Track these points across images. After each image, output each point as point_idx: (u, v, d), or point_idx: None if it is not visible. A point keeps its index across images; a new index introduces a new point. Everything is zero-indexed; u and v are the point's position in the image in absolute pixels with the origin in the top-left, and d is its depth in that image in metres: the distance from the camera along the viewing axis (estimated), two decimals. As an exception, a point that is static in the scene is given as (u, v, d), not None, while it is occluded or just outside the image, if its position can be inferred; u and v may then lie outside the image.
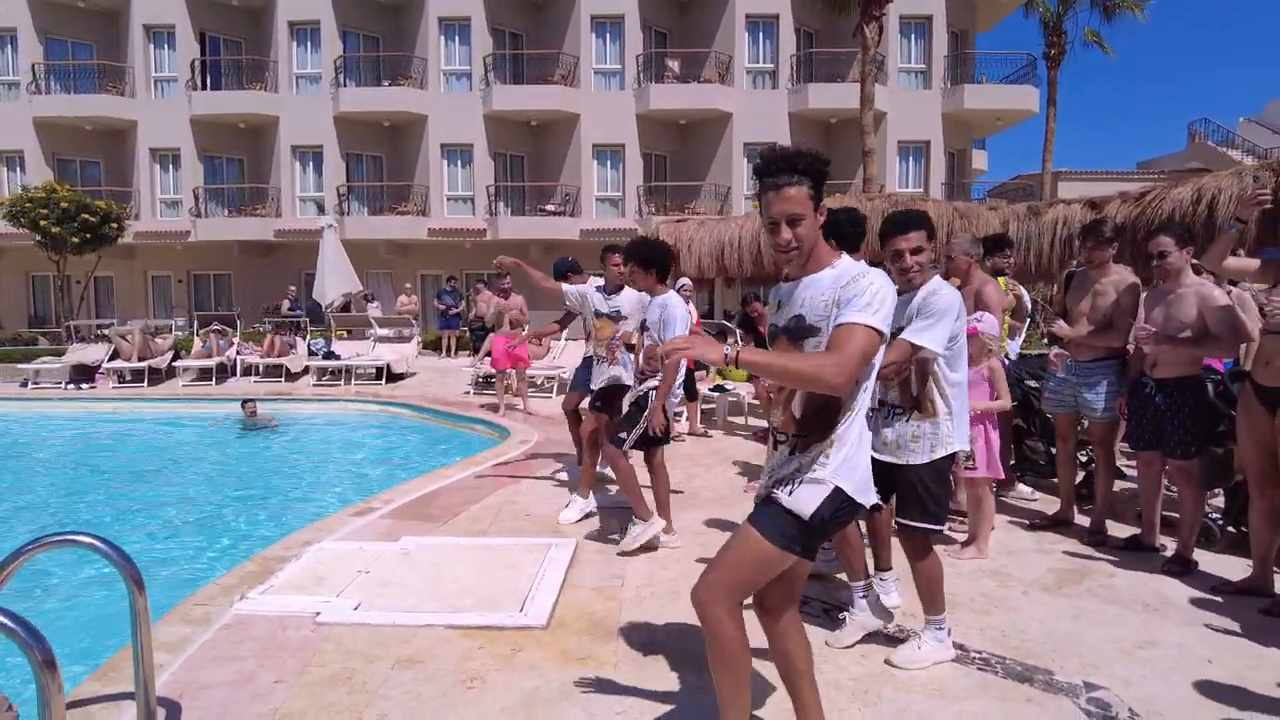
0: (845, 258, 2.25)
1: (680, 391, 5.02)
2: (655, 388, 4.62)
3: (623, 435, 4.65)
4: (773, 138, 22.51)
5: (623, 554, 4.53)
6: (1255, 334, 4.52)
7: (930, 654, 3.16)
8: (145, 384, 13.41)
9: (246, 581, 4.13)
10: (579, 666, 3.20)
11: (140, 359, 13.67)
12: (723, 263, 11.34)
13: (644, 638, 3.47)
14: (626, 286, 5.28)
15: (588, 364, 5.87)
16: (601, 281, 5.66)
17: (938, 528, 3.18)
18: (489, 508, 5.64)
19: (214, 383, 13.58)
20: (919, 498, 3.14)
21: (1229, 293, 4.56)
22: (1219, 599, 3.85)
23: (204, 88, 23.57)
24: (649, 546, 4.59)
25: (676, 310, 4.55)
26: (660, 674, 3.13)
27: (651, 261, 4.71)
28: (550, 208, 23.11)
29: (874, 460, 2.89)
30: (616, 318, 5.31)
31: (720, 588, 2.19)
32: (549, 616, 3.66)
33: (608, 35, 23.33)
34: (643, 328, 4.82)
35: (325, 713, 2.88)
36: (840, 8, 19.24)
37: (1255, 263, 4.17)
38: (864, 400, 2.21)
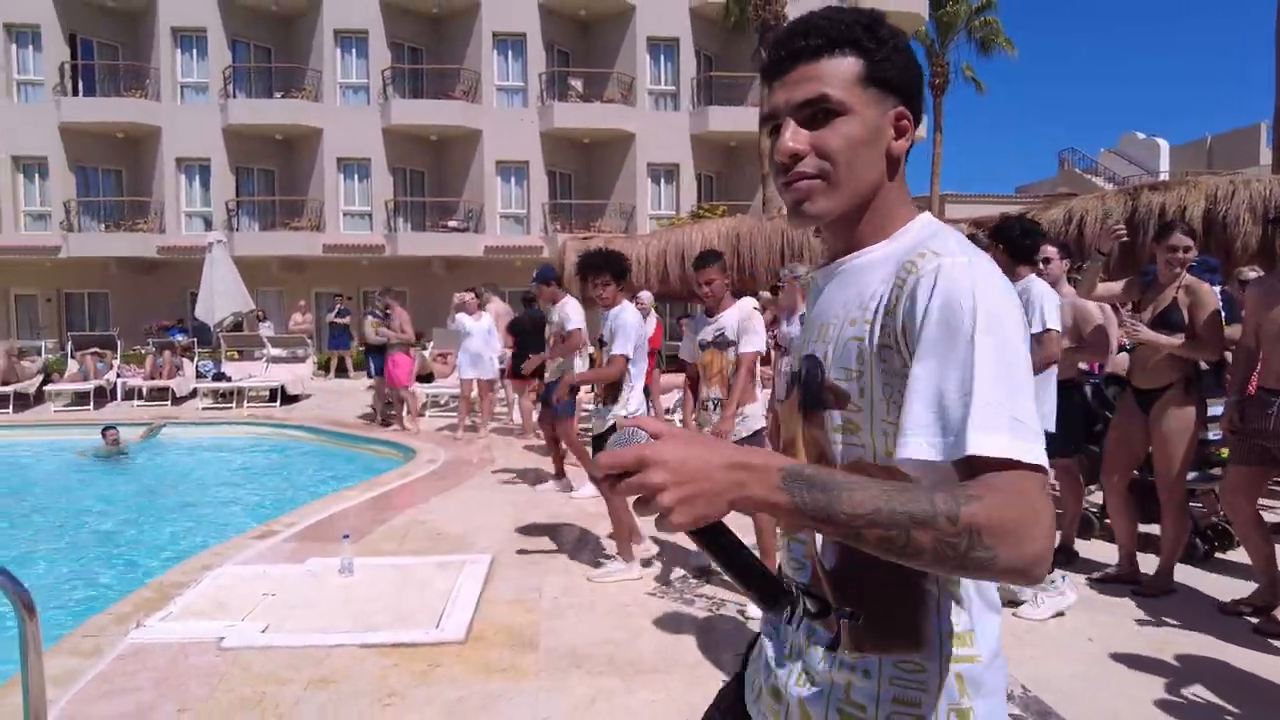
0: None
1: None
2: (623, 415, 4.29)
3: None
4: (675, 159, 22.95)
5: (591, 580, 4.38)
6: (1114, 344, 4.96)
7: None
8: (10, 410, 12.41)
9: (142, 609, 3.91)
10: (501, 678, 3.18)
11: (4, 383, 12.65)
12: (629, 281, 11.47)
13: (565, 647, 3.48)
14: (727, 302, 4.15)
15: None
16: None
17: None
18: (396, 528, 5.52)
19: (92, 407, 12.69)
20: None
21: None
22: (1101, 583, 4.17)
23: (75, 93, 22.14)
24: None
25: (628, 317, 4.42)
26: (583, 680, 3.15)
27: (624, 272, 4.58)
28: (452, 224, 22.76)
29: None
30: (724, 344, 4.07)
31: None
32: (466, 631, 3.63)
33: (510, 52, 23.26)
34: (601, 343, 4.62)
35: (236, 739, 2.77)
36: (739, 31, 19.90)
37: (1119, 285, 4.56)
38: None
